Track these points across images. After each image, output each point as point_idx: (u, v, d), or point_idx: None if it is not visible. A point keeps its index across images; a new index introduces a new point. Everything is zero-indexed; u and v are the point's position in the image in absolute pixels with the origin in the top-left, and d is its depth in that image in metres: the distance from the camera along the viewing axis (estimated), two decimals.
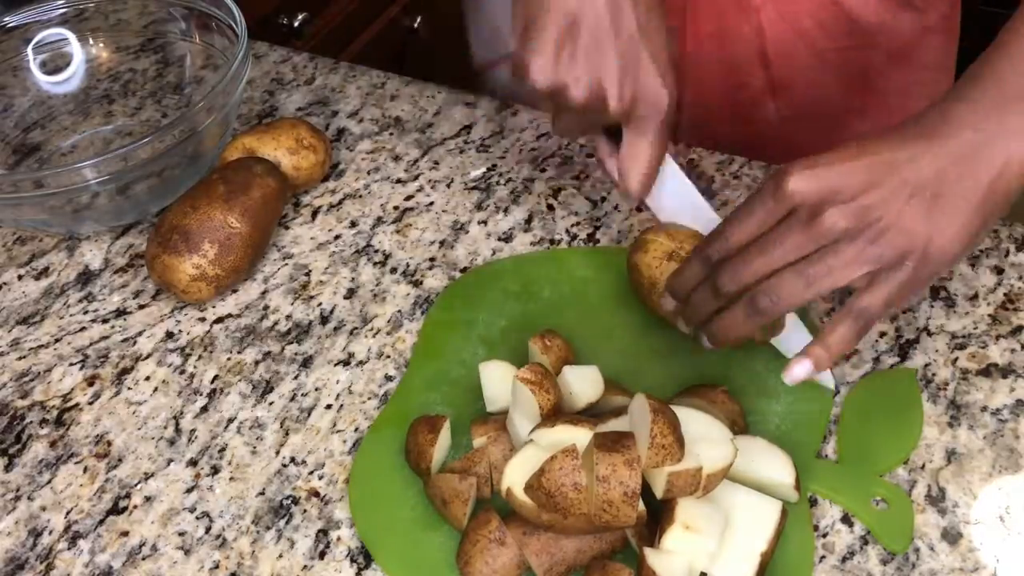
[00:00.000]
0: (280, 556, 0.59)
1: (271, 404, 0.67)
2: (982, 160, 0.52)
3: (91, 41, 0.92)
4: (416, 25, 1.61)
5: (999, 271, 0.72)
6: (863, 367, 0.66)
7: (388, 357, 0.70)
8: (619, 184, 0.66)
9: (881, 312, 0.54)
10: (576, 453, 0.52)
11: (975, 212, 0.52)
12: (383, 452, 0.63)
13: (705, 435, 0.55)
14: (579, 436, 0.55)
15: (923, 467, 0.61)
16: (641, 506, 0.53)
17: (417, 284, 0.75)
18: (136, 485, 0.64)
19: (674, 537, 0.53)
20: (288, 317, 0.73)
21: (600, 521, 0.52)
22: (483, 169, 0.84)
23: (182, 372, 0.70)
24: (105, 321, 0.74)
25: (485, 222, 0.79)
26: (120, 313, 0.75)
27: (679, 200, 0.67)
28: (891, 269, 0.53)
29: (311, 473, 0.63)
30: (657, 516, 0.55)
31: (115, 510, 0.62)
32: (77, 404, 0.69)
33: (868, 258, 0.53)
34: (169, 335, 0.73)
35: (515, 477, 0.55)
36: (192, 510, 0.62)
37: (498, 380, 0.62)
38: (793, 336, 0.63)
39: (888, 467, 0.60)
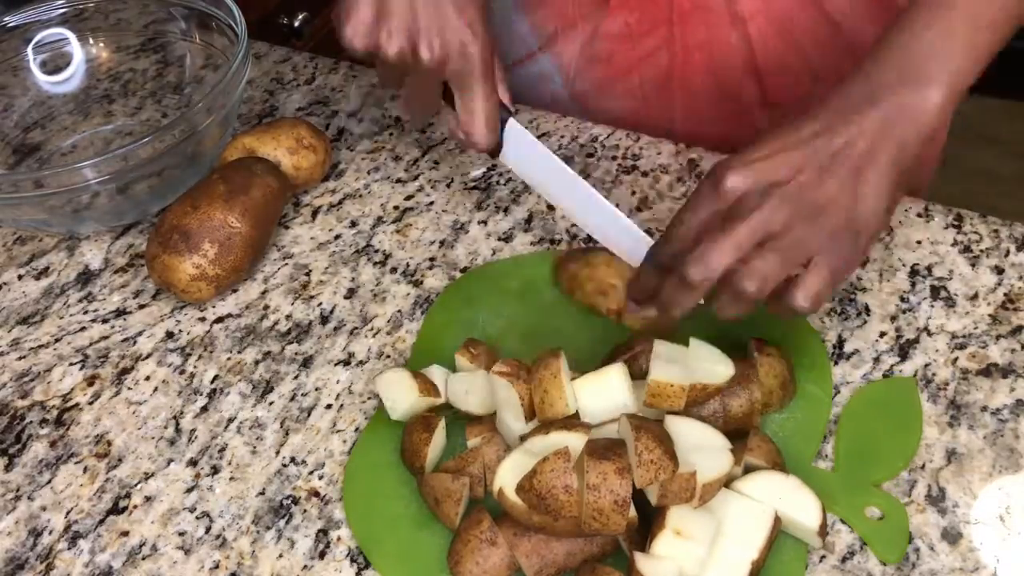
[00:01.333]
0: (280, 556, 0.59)
1: (271, 404, 0.67)
2: (886, 137, 0.56)
3: (91, 41, 0.92)
4: None
5: (999, 271, 0.72)
6: (863, 367, 0.66)
7: (388, 357, 0.70)
8: (464, 140, 0.68)
9: (828, 290, 0.56)
10: (568, 456, 0.52)
11: (889, 181, 0.56)
12: (379, 451, 0.63)
13: (703, 444, 0.55)
14: (573, 441, 0.55)
15: (923, 467, 0.61)
16: (632, 512, 0.53)
17: (417, 284, 0.75)
18: (136, 485, 0.64)
19: (664, 542, 0.53)
20: (288, 317, 0.73)
21: (590, 529, 0.52)
22: (483, 169, 0.84)
23: (182, 372, 0.70)
24: (105, 321, 0.74)
25: (485, 222, 0.79)
26: (120, 313, 0.75)
27: (533, 160, 0.70)
28: (833, 242, 0.56)
29: (311, 473, 0.63)
30: (649, 520, 0.55)
31: (115, 510, 0.62)
32: (77, 404, 0.69)
33: (817, 233, 0.56)
34: (169, 335, 0.73)
35: (507, 478, 0.55)
36: (192, 510, 0.62)
37: (395, 388, 0.62)
38: None
39: (884, 477, 0.60)
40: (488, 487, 0.59)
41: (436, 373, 0.64)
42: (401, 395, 0.62)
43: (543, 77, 0.91)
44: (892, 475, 0.60)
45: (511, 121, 0.69)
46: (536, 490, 0.52)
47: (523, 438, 0.58)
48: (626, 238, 0.67)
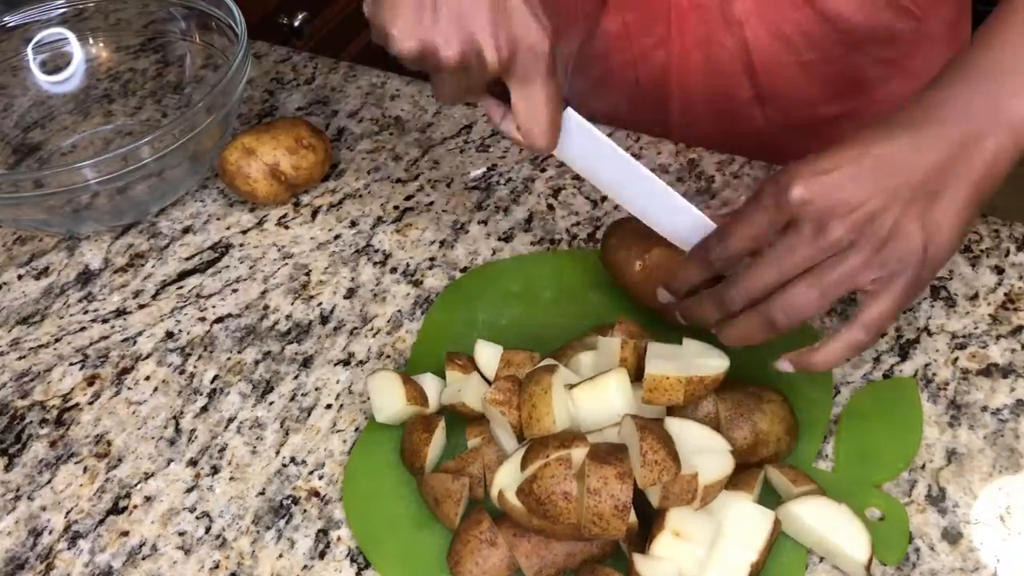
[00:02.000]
0: (280, 556, 0.59)
1: (271, 404, 0.67)
2: (976, 151, 0.52)
3: (91, 41, 0.92)
4: None
5: (999, 271, 0.72)
6: (863, 367, 0.66)
7: (388, 357, 0.70)
8: (523, 142, 0.60)
9: (892, 320, 0.54)
10: (569, 463, 0.52)
11: (969, 205, 0.53)
12: (379, 451, 0.63)
13: (704, 446, 0.55)
14: (574, 455, 0.54)
15: (923, 467, 0.61)
16: (632, 517, 0.53)
17: (417, 284, 0.75)
18: (136, 485, 0.64)
19: (664, 544, 0.53)
20: (288, 317, 0.73)
21: (590, 533, 0.52)
22: (483, 169, 0.84)
23: (182, 372, 0.70)
24: (105, 321, 0.74)
25: (485, 222, 0.79)
26: (120, 313, 0.75)
27: (589, 149, 0.62)
28: (896, 274, 0.53)
29: (311, 473, 0.63)
30: (649, 521, 0.55)
31: (115, 510, 0.62)
32: (77, 404, 0.69)
33: (874, 265, 0.53)
34: (169, 335, 0.73)
35: (507, 480, 0.55)
36: (192, 510, 0.62)
37: (384, 392, 0.62)
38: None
39: (885, 478, 0.60)
40: (488, 488, 0.59)
41: (429, 382, 0.64)
42: (390, 400, 0.62)
43: None
44: (892, 476, 0.60)
45: (568, 111, 0.60)
46: (536, 495, 0.52)
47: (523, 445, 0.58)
48: (692, 230, 0.61)
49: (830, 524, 0.55)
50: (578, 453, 0.53)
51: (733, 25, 0.81)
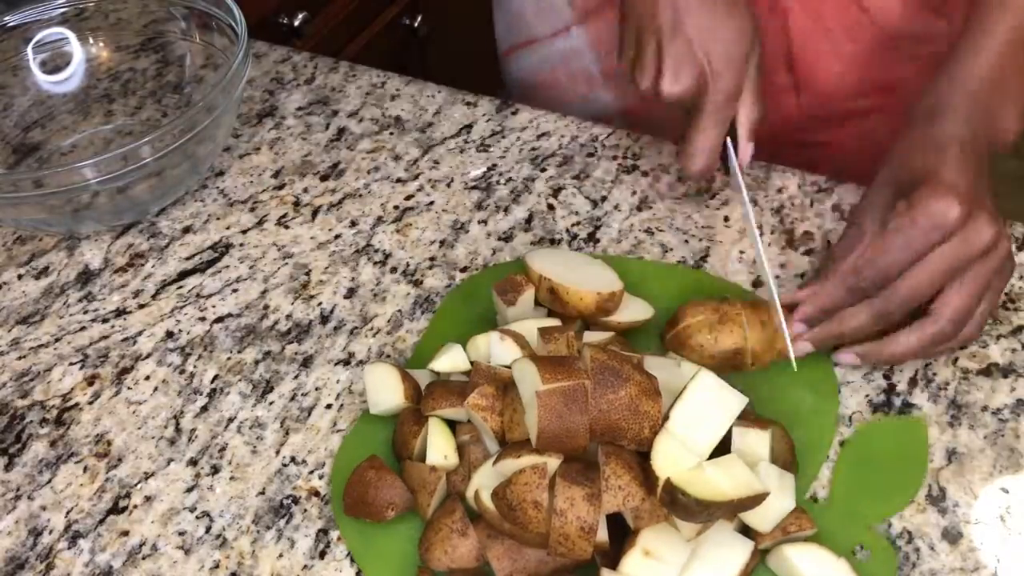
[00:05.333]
0: (280, 556, 0.59)
1: (271, 404, 0.67)
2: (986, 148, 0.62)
3: (91, 40, 0.92)
4: (416, 24, 1.61)
5: None
6: (864, 366, 0.66)
7: (388, 357, 0.70)
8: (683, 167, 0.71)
9: (973, 309, 0.61)
10: (544, 472, 0.52)
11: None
12: (370, 440, 0.63)
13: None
14: (549, 464, 0.54)
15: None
16: (603, 535, 0.53)
17: (417, 284, 0.75)
18: (136, 485, 0.64)
19: (633, 562, 0.52)
20: (288, 317, 0.73)
21: (555, 552, 0.52)
22: (483, 168, 0.84)
23: (182, 372, 0.70)
24: (105, 321, 0.74)
25: (485, 222, 0.79)
26: (120, 313, 0.75)
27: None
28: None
29: (311, 473, 0.63)
30: (625, 533, 0.54)
31: (115, 510, 0.62)
32: (77, 404, 0.69)
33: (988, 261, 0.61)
34: (169, 335, 0.73)
35: (483, 482, 0.55)
36: (192, 510, 0.62)
37: (381, 385, 0.62)
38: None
39: (878, 517, 0.58)
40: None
41: (424, 378, 0.64)
42: (386, 395, 0.62)
43: (574, 53, 0.91)
44: (887, 516, 0.58)
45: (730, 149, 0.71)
46: (508, 500, 0.52)
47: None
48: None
49: (821, 567, 0.54)
50: (553, 463, 0.53)
51: (778, 12, 0.83)
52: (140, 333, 0.73)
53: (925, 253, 0.59)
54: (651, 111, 0.86)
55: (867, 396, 0.64)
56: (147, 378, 0.70)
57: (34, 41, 0.90)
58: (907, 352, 0.62)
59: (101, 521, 0.62)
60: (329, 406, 0.67)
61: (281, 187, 0.84)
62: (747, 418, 0.58)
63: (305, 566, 0.59)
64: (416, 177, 0.84)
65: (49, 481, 0.64)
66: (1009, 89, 0.64)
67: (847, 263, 0.62)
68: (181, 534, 0.61)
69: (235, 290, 0.75)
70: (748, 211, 0.68)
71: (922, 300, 0.60)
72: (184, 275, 0.77)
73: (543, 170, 0.83)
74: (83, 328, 0.74)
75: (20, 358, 0.72)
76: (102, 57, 0.93)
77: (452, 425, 0.61)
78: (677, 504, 0.50)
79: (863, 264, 0.61)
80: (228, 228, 0.81)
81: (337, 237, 0.79)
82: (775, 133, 0.85)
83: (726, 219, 0.77)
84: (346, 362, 0.70)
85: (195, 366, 0.70)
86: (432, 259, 0.76)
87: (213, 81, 0.80)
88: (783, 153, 0.82)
